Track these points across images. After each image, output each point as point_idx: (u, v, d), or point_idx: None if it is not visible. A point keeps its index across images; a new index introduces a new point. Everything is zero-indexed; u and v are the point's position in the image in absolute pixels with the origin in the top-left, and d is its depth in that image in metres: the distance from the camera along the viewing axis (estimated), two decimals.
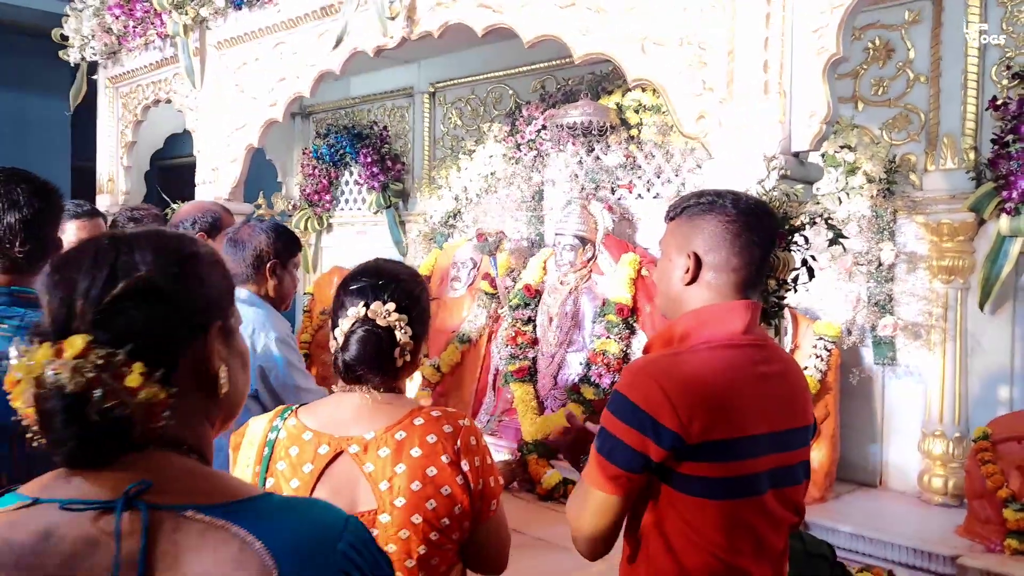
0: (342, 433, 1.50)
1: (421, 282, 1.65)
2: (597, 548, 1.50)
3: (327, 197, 6.92)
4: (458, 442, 1.50)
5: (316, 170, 6.88)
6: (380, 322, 1.51)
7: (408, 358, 1.55)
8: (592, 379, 4.59)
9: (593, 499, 1.44)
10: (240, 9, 4.68)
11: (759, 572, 1.45)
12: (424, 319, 1.61)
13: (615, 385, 1.46)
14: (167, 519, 0.77)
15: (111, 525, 0.76)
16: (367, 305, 1.51)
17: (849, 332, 4.08)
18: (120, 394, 0.76)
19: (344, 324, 1.53)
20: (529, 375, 4.97)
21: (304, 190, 6.97)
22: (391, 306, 1.51)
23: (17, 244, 1.71)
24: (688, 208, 1.58)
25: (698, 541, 1.41)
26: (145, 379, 0.77)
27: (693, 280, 1.53)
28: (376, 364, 1.52)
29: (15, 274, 1.76)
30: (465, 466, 1.49)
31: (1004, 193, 3.54)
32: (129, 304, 0.80)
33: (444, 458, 1.47)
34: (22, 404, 0.76)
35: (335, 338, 1.55)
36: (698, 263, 1.52)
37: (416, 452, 1.47)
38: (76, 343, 0.75)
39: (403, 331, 1.52)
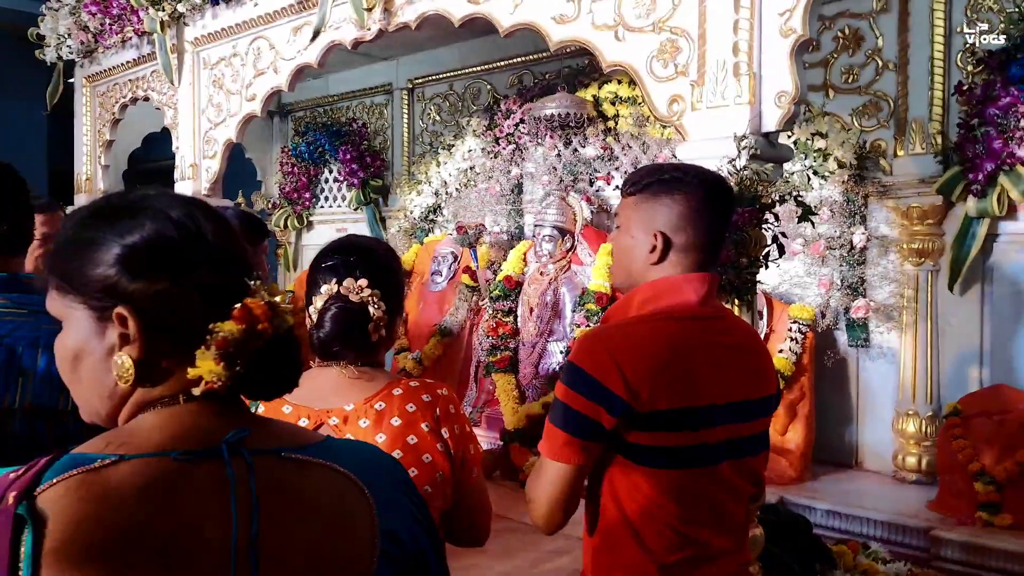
0: (321, 406, 1.51)
1: (394, 255, 1.66)
2: (552, 519, 1.46)
3: (307, 195, 6.93)
4: (437, 410, 1.52)
5: (295, 168, 6.89)
6: (353, 298, 1.51)
7: (383, 332, 1.55)
8: None
9: (547, 469, 1.43)
10: (217, 4, 4.69)
11: (718, 543, 1.44)
12: (398, 292, 1.61)
13: (568, 355, 1.44)
14: (264, 461, 0.81)
15: (219, 471, 0.78)
16: (339, 282, 1.52)
17: (823, 315, 4.15)
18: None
19: (317, 302, 1.53)
20: (510, 365, 5.01)
21: (283, 188, 6.98)
22: (363, 282, 1.51)
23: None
24: (651, 184, 1.53)
25: (654, 512, 1.40)
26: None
27: (661, 259, 1.50)
28: (351, 340, 1.52)
29: (7, 256, 1.74)
30: (445, 433, 1.51)
31: (971, 176, 3.64)
32: None
33: (424, 426, 1.49)
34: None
35: (310, 316, 1.55)
36: (666, 243, 1.49)
37: (396, 421, 1.48)
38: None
39: (376, 306, 1.52)
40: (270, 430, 0.86)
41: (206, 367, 0.78)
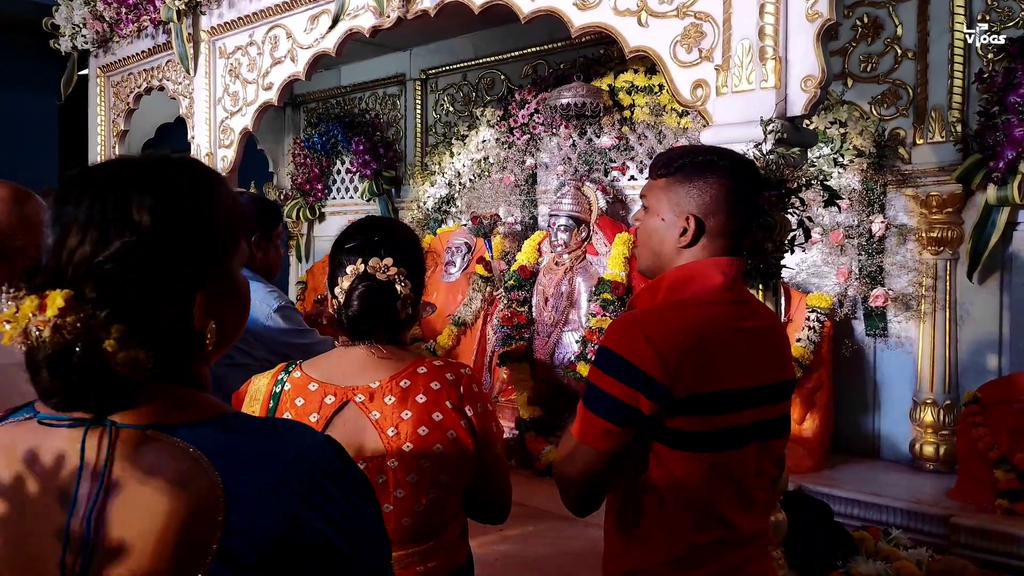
0: (348, 383, 1.52)
1: (414, 235, 1.68)
2: (586, 503, 1.48)
3: (319, 186, 6.93)
4: (461, 388, 1.54)
5: (308, 159, 6.89)
6: (380, 277, 1.52)
7: (410, 310, 1.57)
8: (588, 356, 4.65)
9: (580, 453, 1.43)
10: None
11: (745, 524, 1.45)
12: (422, 270, 1.63)
13: (601, 340, 1.42)
14: (133, 437, 0.80)
15: (79, 440, 0.80)
16: (365, 261, 1.53)
17: (841, 304, 4.15)
18: (99, 354, 0.76)
19: (344, 283, 1.54)
20: (525, 355, 5.02)
21: (296, 179, 6.99)
22: (389, 260, 1.53)
23: None
24: (684, 167, 1.52)
25: (687, 494, 1.41)
26: (121, 343, 0.76)
27: (692, 243, 1.50)
28: (380, 318, 1.54)
29: None
30: (469, 411, 1.53)
31: (991, 163, 3.63)
32: (119, 265, 0.78)
33: (449, 403, 1.51)
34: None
35: (335, 297, 1.56)
36: (699, 227, 1.49)
37: (421, 398, 1.50)
38: (57, 300, 0.74)
39: (403, 284, 1.54)
40: (160, 408, 0.82)
41: None
